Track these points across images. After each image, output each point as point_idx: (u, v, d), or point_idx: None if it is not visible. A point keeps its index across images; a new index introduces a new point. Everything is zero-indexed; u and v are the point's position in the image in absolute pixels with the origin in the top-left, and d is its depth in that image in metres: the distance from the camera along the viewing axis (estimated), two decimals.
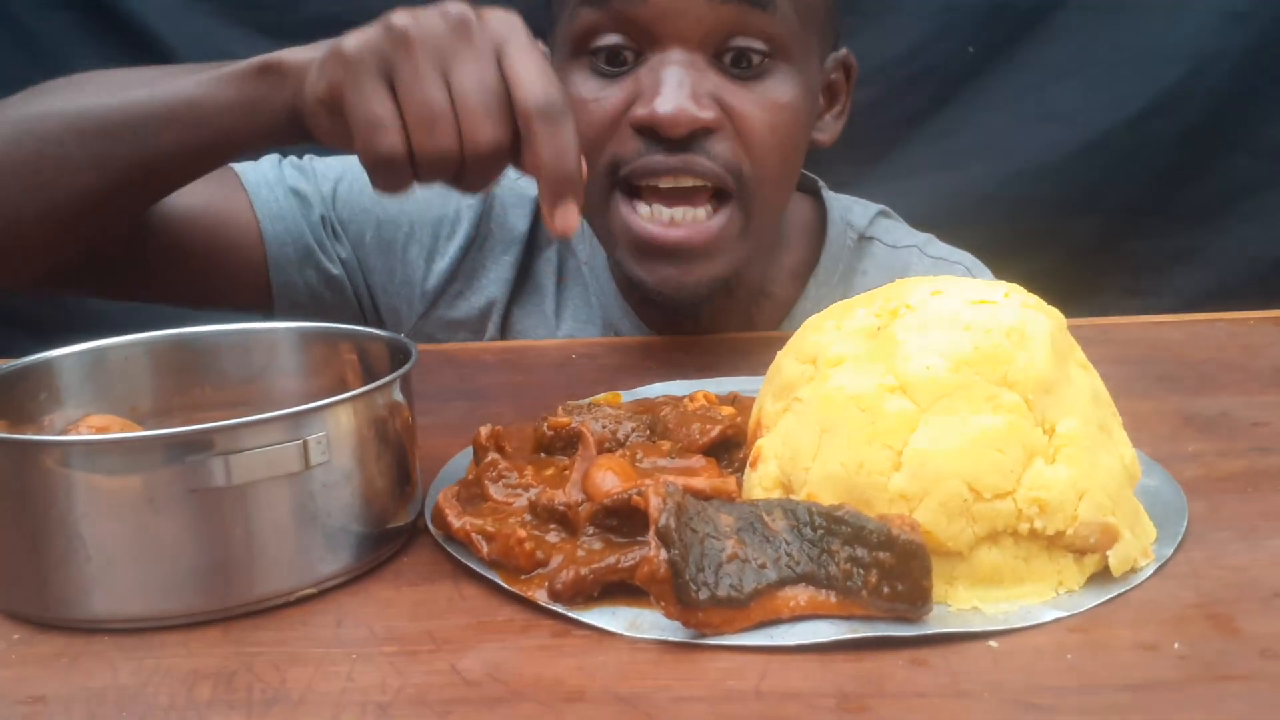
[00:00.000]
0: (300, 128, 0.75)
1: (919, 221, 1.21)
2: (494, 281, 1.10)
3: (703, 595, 0.48)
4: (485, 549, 0.56)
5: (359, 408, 0.55)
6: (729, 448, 0.65)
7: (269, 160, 1.07)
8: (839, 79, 1.06)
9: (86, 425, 0.61)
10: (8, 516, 0.52)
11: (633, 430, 0.67)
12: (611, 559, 0.52)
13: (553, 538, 0.56)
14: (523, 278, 1.11)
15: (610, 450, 0.64)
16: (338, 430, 0.54)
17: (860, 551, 0.50)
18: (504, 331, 1.11)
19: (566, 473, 0.61)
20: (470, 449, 0.66)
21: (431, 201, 1.08)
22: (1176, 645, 0.48)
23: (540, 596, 0.52)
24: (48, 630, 0.52)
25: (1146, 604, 0.51)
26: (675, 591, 0.48)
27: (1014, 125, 1.58)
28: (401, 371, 0.59)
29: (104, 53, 1.54)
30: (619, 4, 0.90)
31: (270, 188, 1.03)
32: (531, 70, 0.65)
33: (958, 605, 0.51)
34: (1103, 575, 0.53)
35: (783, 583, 0.50)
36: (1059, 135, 1.57)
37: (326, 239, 1.06)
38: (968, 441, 0.52)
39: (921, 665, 0.47)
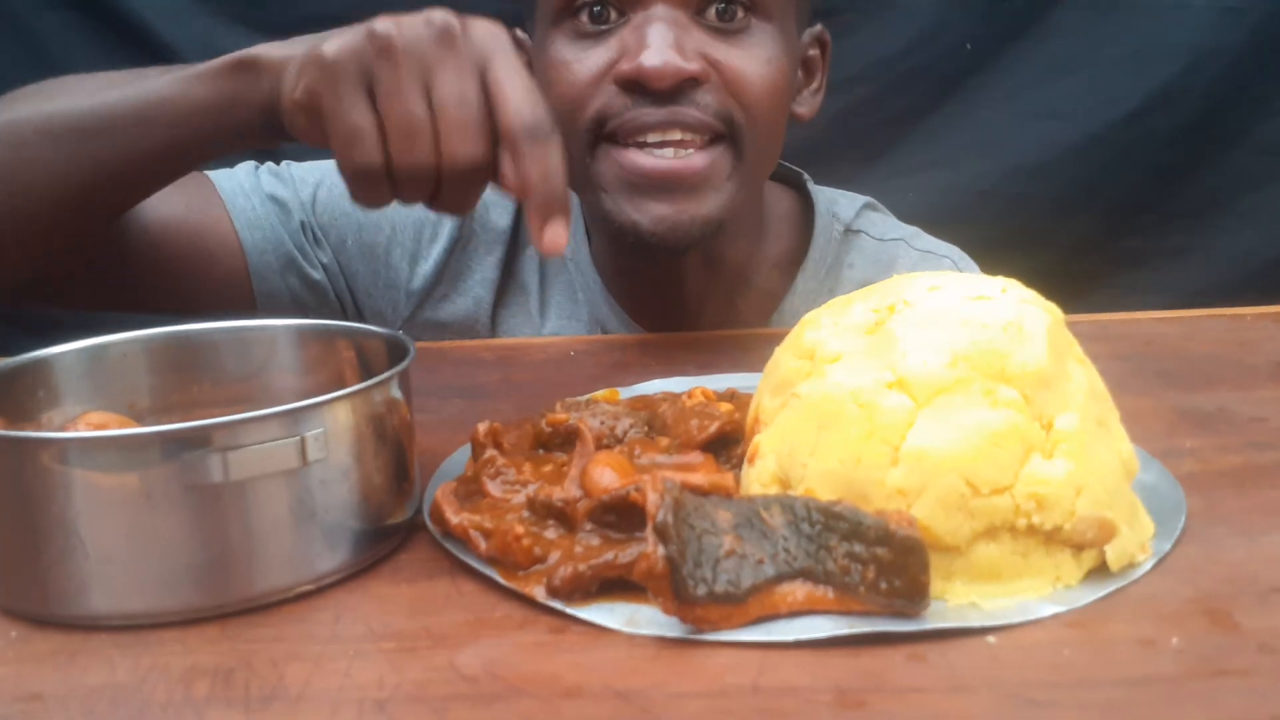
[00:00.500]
0: (277, 126, 0.73)
1: (917, 218, 1.21)
2: (479, 283, 1.10)
3: (700, 591, 0.48)
4: (483, 545, 0.56)
5: (357, 404, 0.55)
6: (727, 444, 0.65)
7: (245, 168, 1.06)
8: (815, 54, 1.07)
9: (85, 422, 0.61)
10: (6, 514, 0.52)
11: (631, 427, 0.67)
12: (609, 555, 0.52)
13: (551, 534, 0.56)
14: (507, 277, 1.10)
15: (608, 447, 0.64)
16: (336, 427, 0.54)
17: (858, 547, 0.50)
18: (491, 333, 1.10)
19: (564, 469, 0.61)
20: (468, 446, 0.66)
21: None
22: (1174, 640, 0.48)
23: (538, 593, 0.52)
24: (45, 627, 0.52)
25: (1144, 599, 0.51)
26: (673, 587, 0.48)
27: (1011, 122, 1.58)
28: (399, 368, 0.59)
29: (103, 51, 1.54)
30: None
31: (247, 196, 1.03)
32: (517, 87, 0.63)
33: (955, 601, 0.51)
34: (1100, 571, 0.53)
35: (780, 578, 0.50)
36: (1056, 132, 1.58)
37: (308, 245, 1.05)
38: (965, 437, 0.52)
39: (919, 661, 0.47)
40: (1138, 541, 0.54)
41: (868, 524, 0.50)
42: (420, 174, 0.64)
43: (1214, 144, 1.57)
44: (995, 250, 1.18)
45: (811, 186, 1.14)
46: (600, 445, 0.64)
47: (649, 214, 0.93)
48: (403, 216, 1.08)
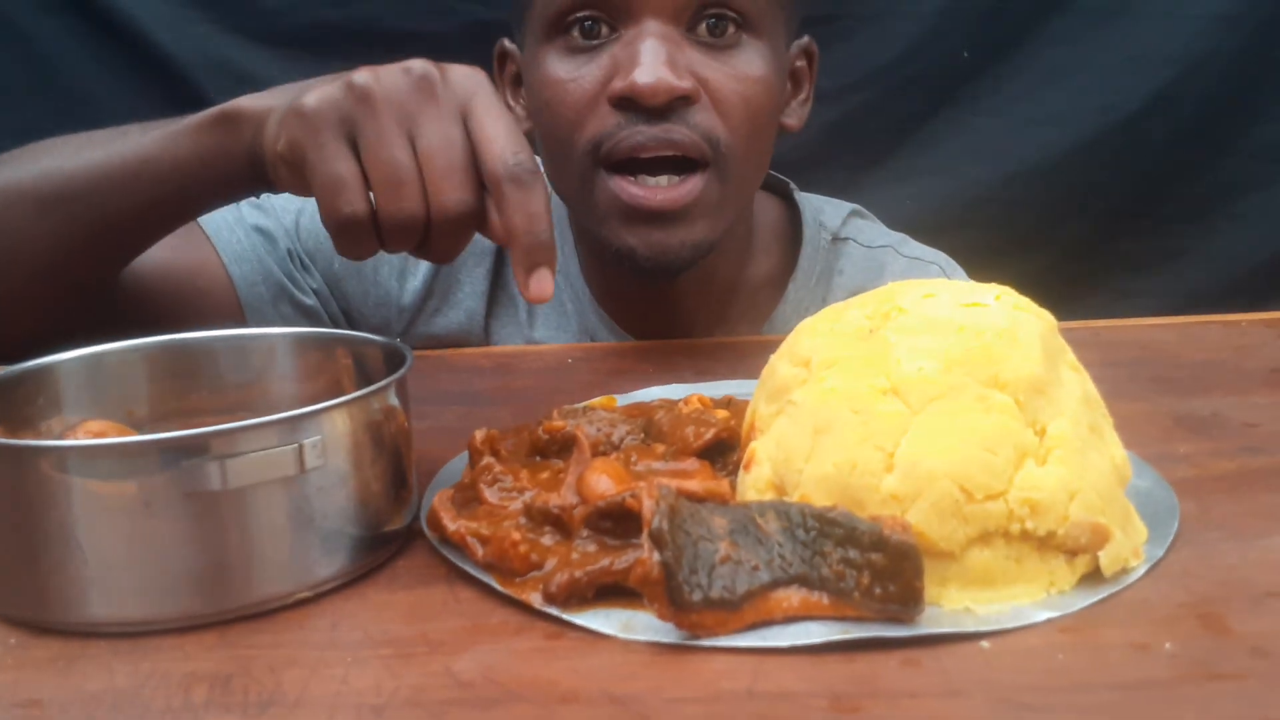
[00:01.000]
0: (262, 177, 0.73)
1: (914, 224, 1.22)
2: (470, 295, 1.10)
3: (696, 597, 0.49)
4: (480, 552, 0.56)
5: (354, 412, 0.55)
6: (723, 451, 0.65)
7: None
8: (803, 65, 1.08)
9: (84, 430, 0.61)
10: (5, 521, 0.52)
11: (627, 434, 0.67)
12: (605, 561, 0.52)
13: (547, 541, 0.56)
14: (496, 289, 1.11)
15: (605, 454, 0.65)
16: (333, 434, 0.54)
17: (853, 553, 0.50)
18: (485, 344, 1.11)
19: (561, 476, 0.61)
20: (466, 453, 0.67)
21: None
22: (1167, 645, 0.48)
23: (535, 599, 0.52)
24: (44, 634, 0.52)
25: (1138, 604, 0.52)
26: (669, 593, 0.48)
27: (1008, 128, 1.59)
28: (397, 376, 0.59)
29: (101, 58, 1.55)
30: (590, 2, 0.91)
31: (231, 229, 1.02)
32: (500, 131, 0.63)
33: (950, 606, 0.51)
34: (1094, 576, 0.53)
35: (775, 584, 0.50)
36: (1052, 138, 1.58)
37: (296, 272, 1.05)
38: (959, 443, 0.52)
39: (914, 665, 0.47)
40: (1131, 546, 0.54)
41: (862, 530, 0.50)
42: (409, 224, 0.64)
43: (1209, 150, 1.57)
44: (992, 255, 1.18)
45: (798, 195, 1.15)
46: (597, 452, 0.64)
47: (643, 240, 0.95)
48: None
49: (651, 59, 0.89)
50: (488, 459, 0.63)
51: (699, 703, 0.45)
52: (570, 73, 0.94)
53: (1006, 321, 0.56)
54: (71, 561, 0.51)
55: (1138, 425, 0.70)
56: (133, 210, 0.80)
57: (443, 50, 0.71)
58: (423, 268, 1.09)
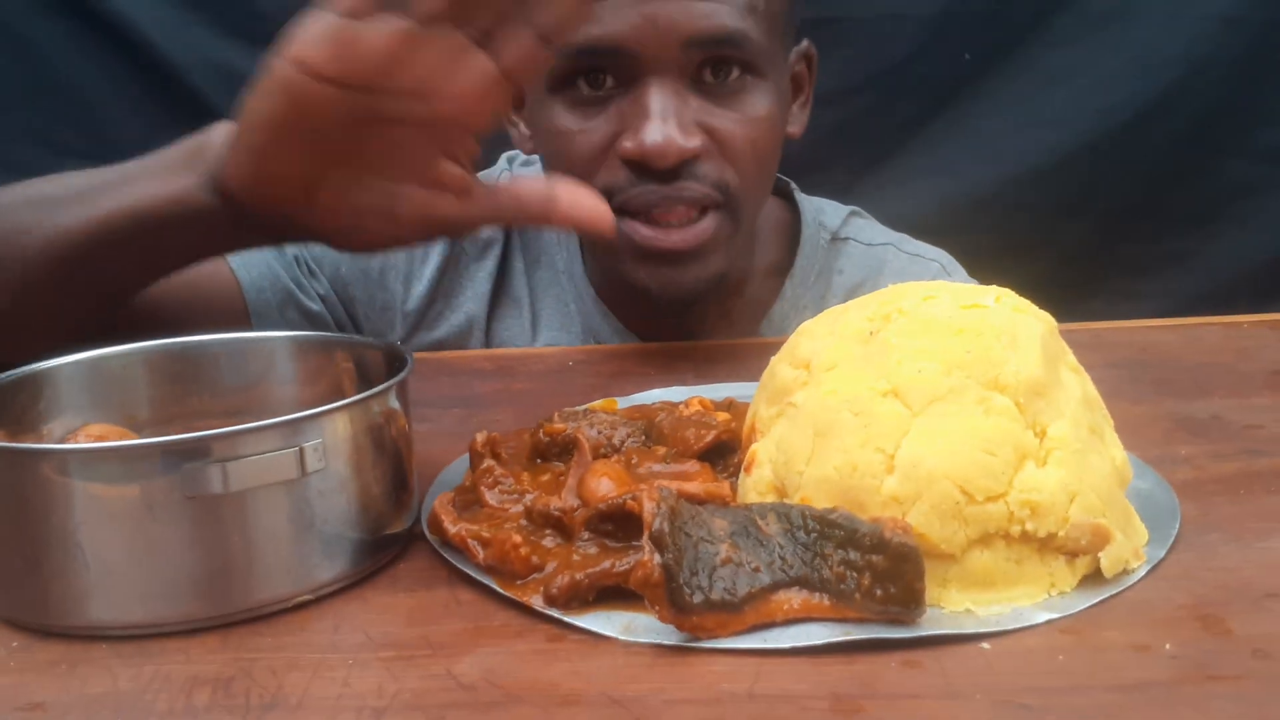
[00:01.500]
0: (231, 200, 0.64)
1: (915, 226, 1.22)
2: (472, 297, 1.10)
3: (697, 599, 0.49)
4: (481, 554, 0.56)
5: (355, 415, 0.56)
6: (724, 453, 0.65)
7: None
8: (801, 70, 1.08)
9: (85, 434, 0.61)
10: (7, 525, 0.52)
11: (628, 436, 0.67)
12: (606, 564, 0.52)
13: (548, 543, 0.56)
14: (499, 290, 1.11)
15: (605, 456, 0.65)
16: (334, 437, 0.54)
17: (853, 554, 0.50)
18: (487, 345, 1.11)
19: (562, 478, 0.61)
20: (466, 455, 0.67)
21: None
22: (1168, 646, 0.48)
23: (536, 601, 0.52)
24: (47, 637, 0.52)
25: (1138, 605, 0.52)
26: (669, 595, 0.48)
27: (1009, 131, 1.59)
28: (398, 379, 0.59)
29: (99, 61, 1.55)
30: (595, 58, 0.91)
31: None
32: None
33: (950, 607, 0.51)
34: (1095, 577, 0.53)
35: (776, 586, 0.50)
36: (1054, 140, 1.58)
37: (303, 277, 1.05)
38: (959, 445, 0.52)
39: (914, 667, 0.47)
40: (1131, 548, 0.54)
41: (863, 531, 0.50)
42: None
43: (1210, 152, 1.58)
44: (994, 257, 1.18)
45: (799, 195, 1.15)
46: (598, 455, 0.64)
47: (657, 278, 0.97)
48: None
49: (659, 117, 0.89)
50: (488, 461, 0.63)
51: (700, 704, 0.45)
52: (578, 124, 0.94)
53: (1006, 323, 0.56)
54: (73, 564, 0.51)
55: (1138, 427, 0.70)
56: (127, 265, 0.74)
57: None
58: (427, 272, 1.09)
